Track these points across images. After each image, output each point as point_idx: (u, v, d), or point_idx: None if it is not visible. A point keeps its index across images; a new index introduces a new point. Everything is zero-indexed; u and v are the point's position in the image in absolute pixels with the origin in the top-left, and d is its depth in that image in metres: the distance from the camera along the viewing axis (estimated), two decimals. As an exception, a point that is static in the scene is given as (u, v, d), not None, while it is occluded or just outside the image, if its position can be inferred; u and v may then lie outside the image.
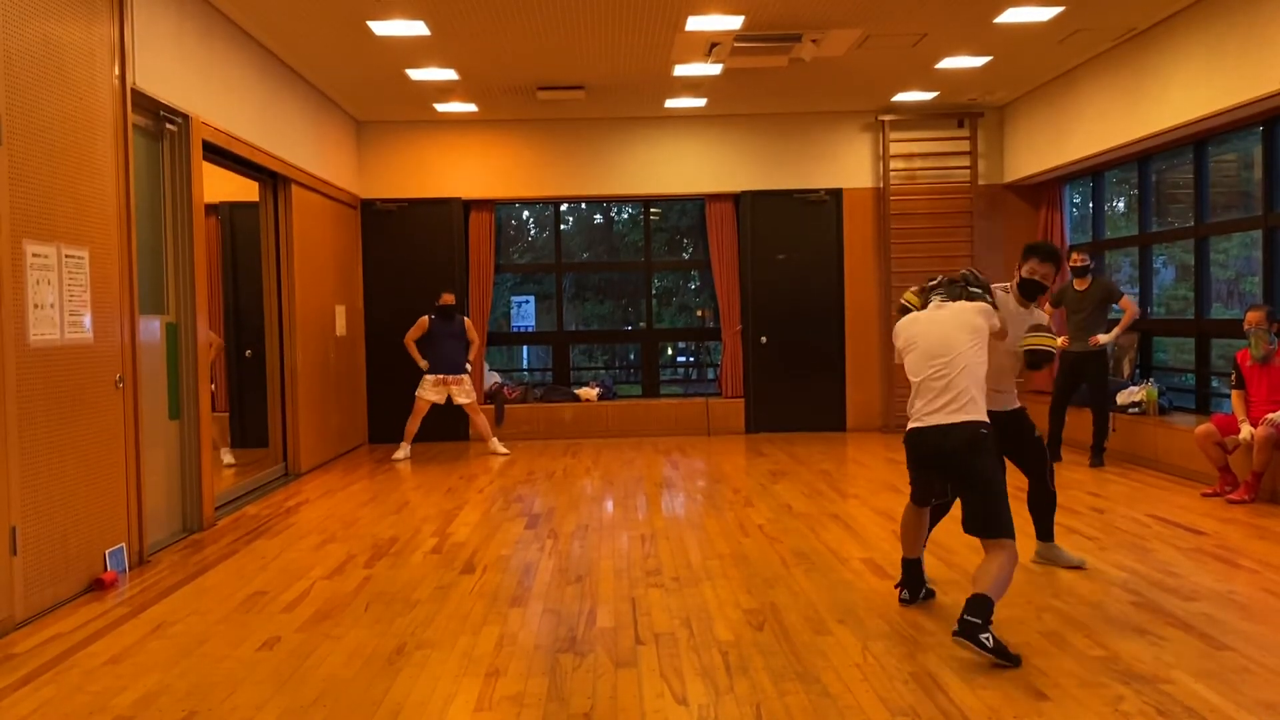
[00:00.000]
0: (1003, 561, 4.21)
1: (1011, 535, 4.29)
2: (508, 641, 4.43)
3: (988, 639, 3.95)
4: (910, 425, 4.63)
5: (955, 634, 4.01)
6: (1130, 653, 4.09)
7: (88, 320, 5.46)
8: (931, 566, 5.51)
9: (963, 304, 4.71)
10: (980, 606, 4.01)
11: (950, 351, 4.52)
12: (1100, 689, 3.73)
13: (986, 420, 4.49)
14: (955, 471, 4.49)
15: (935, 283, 4.89)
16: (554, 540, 6.45)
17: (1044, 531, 5.53)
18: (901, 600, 4.85)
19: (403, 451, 10.32)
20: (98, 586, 5.40)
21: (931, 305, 4.80)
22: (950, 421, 4.43)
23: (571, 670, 4.06)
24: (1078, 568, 5.42)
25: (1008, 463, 5.11)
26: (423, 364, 10.31)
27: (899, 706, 3.62)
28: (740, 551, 6.02)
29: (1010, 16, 8.13)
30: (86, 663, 4.26)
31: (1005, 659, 3.95)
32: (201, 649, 4.42)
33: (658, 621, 4.67)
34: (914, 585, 4.87)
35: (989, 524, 4.31)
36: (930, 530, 5.24)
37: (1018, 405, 5.32)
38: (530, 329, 14.29)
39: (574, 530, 6.74)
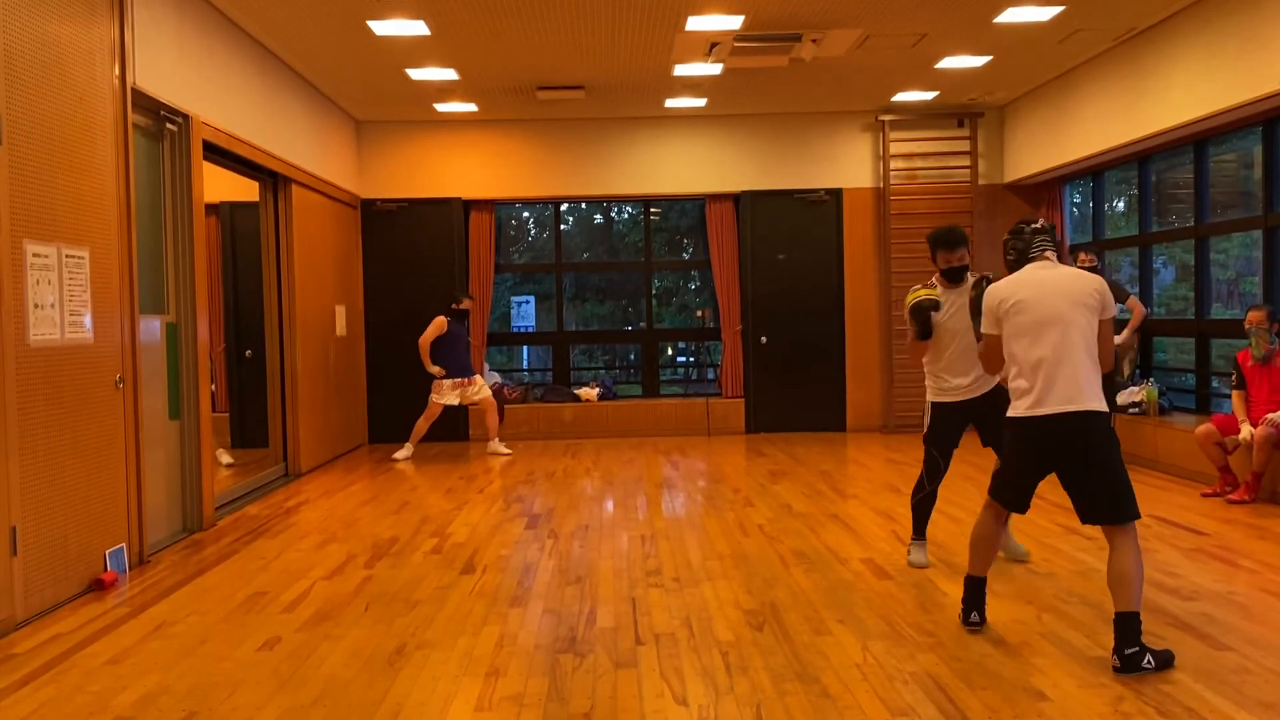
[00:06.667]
0: (1135, 554, 3.96)
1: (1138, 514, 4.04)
2: (508, 641, 4.43)
3: (1150, 662, 3.85)
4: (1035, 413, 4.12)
5: (1119, 670, 3.85)
6: (1130, 653, 4.09)
7: (88, 320, 5.46)
8: (940, 572, 5.53)
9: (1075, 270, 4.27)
10: (1133, 629, 3.86)
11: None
12: (1100, 689, 3.73)
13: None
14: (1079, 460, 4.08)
15: (1038, 226, 4.38)
16: (554, 540, 6.45)
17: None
18: (972, 624, 4.41)
19: (405, 451, 10.31)
20: (98, 586, 5.40)
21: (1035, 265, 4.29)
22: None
23: (571, 670, 4.06)
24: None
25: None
26: (435, 370, 10.18)
27: (899, 706, 3.62)
28: (740, 551, 6.02)
29: (1010, 16, 8.13)
30: (86, 663, 4.26)
31: (1169, 664, 3.91)
32: (202, 649, 4.42)
33: (658, 621, 4.67)
34: (982, 606, 4.45)
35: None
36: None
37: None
38: (530, 329, 14.29)
39: (574, 530, 6.74)
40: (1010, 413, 4.21)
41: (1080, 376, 4.04)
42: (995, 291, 4.29)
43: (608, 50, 8.90)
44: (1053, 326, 4.08)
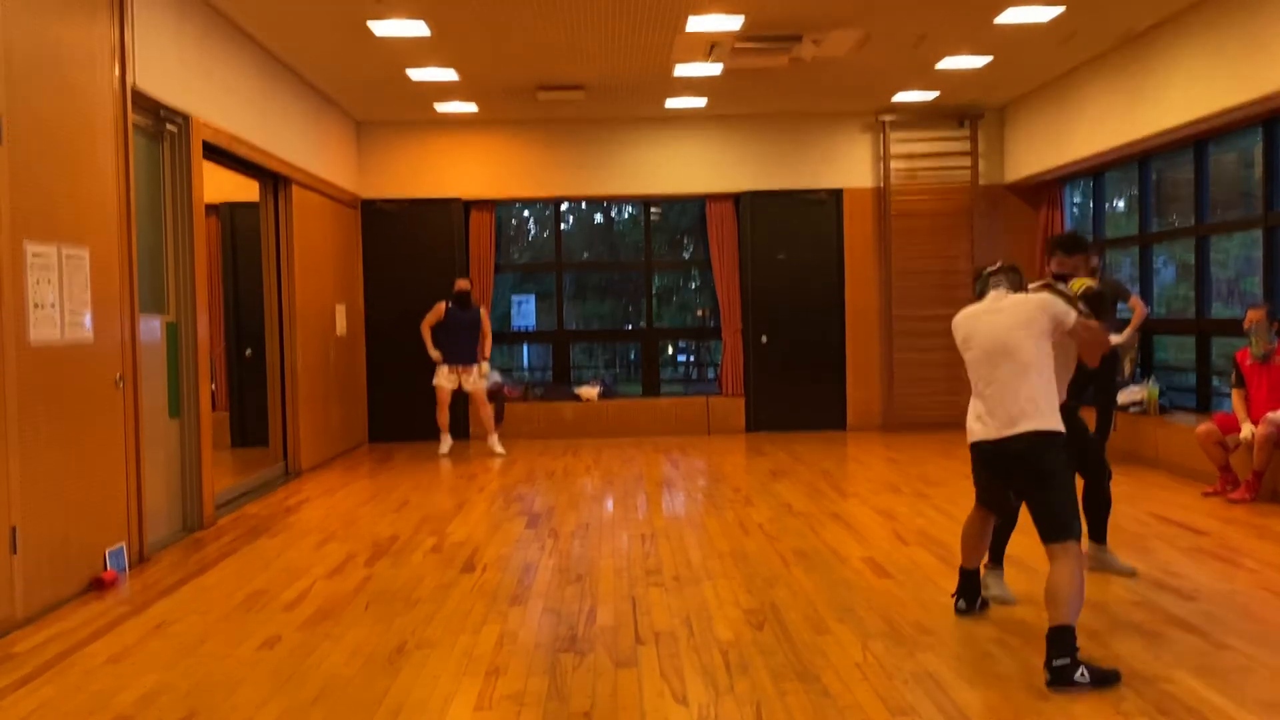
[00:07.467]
0: (1072, 573, 3.88)
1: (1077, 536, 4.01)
2: (508, 640, 4.43)
3: (1084, 675, 3.69)
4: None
5: (1049, 684, 3.70)
6: (1130, 652, 4.09)
7: (88, 320, 5.46)
8: (940, 572, 5.53)
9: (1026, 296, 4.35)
10: (1063, 642, 3.74)
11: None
12: (1100, 688, 3.72)
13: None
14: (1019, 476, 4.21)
15: (995, 269, 4.49)
16: (554, 539, 6.45)
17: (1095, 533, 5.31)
18: (958, 610, 4.61)
19: (445, 445, 10.47)
20: (98, 586, 5.39)
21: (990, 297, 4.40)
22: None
23: (571, 669, 4.06)
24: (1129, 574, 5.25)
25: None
26: (434, 354, 10.33)
27: (899, 706, 3.62)
28: (740, 550, 6.02)
29: (1010, 17, 8.12)
30: (86, 662, 4.26)
31: (1108, 682, 3.72)
32: (202, 648, 4.42)
33: (658, 620, 4.67)
34: (971, 595, 4.63)
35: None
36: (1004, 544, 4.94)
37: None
38: (530, 328, 14.30)
39: (574, 529, 6.74)
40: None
41: (1021, 401, 4.13)
42: (955, 326, 4.49)
43: (608, 51, 8.90)
44: (993, 356, 4.24)
